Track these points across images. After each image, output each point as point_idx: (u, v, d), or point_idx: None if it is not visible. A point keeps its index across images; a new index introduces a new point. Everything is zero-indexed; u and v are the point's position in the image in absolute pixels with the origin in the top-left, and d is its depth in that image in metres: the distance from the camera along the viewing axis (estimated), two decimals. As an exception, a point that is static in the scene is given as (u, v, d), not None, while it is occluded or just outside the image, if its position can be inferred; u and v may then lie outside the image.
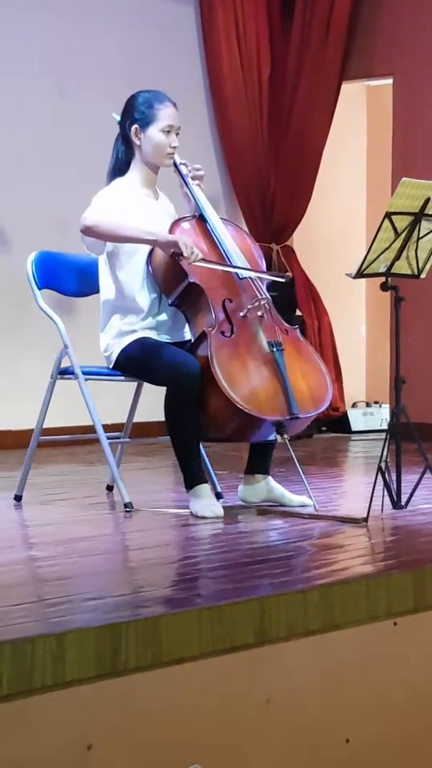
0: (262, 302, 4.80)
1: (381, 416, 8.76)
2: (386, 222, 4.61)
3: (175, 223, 4.84)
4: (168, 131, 4.84)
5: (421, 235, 4.70)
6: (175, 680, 2.94)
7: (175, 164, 4.90)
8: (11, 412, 7.15)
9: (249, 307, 4.76)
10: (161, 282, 4.79)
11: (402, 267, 4.75)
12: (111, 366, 4.90)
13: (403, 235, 4.65)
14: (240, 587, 3.38)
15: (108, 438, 4.98)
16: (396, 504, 4.71)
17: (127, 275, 4.83)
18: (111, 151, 4.95)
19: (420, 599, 3.53)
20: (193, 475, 4.70)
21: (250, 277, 4.86)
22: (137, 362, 4.79)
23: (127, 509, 4.81)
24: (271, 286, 4.98)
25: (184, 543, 4.32)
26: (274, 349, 4.70)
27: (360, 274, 4.73)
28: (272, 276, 5.14)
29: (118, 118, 4.94)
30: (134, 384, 5.28)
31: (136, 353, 4.78)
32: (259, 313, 4.78)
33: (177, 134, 4.87)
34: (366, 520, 4.41)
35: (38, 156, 7.46)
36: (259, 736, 3.11)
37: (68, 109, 7.60)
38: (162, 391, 4.70)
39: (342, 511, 4.87)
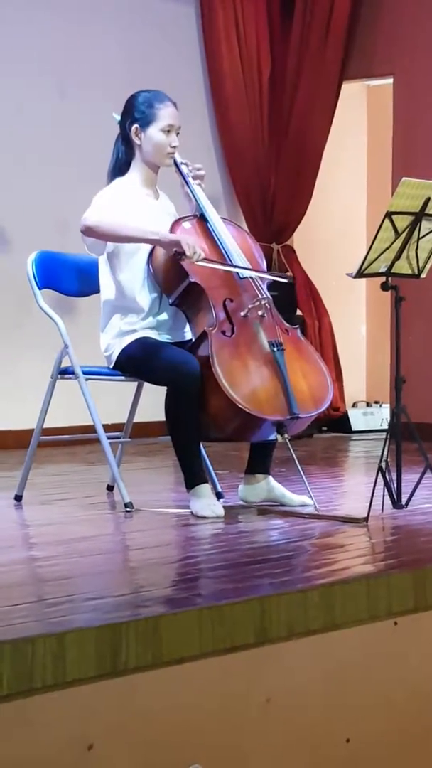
0: (263, 302, 4.80)
1: (381, 416, 8.76)
2: (387, 222, 4.61)
3: (176, 223, 4.84)
4: (168, 131, 4.84)
5: (421, 235, 4.69)
6: (176, 680, 2.94)
7: (175, 164, 4.90)
8: (12, 412, 7.15)
9: (250, 306, 4.76)
10: (162, 281, 4.79)
11: (402, 267, 4.75)
12: (111, 366, 4.90)
13: (404, 234, 4.65)
14: (240, 587, 3.38)
15: (108, 438, 4.98)
16: (396, 504, 4.71)
17: (128, 275, 4.82)
18: (111, 150, 4.95)
19: (420, 599, 3.53)
20: (193, 475, 4.70)
21: (251, 277, 4.86)
22: (138, 362, 4.79)
23: (128, 509, 4.81)
24: (272, 286, 4.97)
25: (185, 543, 4.32)
26: (275, 349, 4.70)
27: (360, 274, 4.73)
28: (275, 276, 5.14)
29: (119, 117, 4.94)
30: (134, 384, 5.28)
31: (137, 353, 4.78)
32: (260, 313, 4.78)
33: (177, 134, 4.87)
34: (366, 519, 4.41)
35: (38, 156, 7.47)
36: (259, 736, 3.11)
37: (68, 109, 7.60)
38: (162, 390, 4.70)
39: (342, 510, 4.87)
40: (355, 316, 9.45)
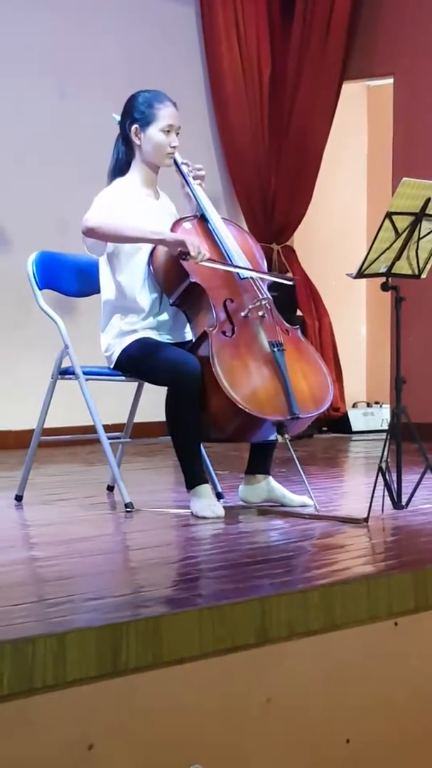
0: (263, 302, 4.80)
1: (381, 416, 8.77)
2: (387, 222, 4.61)
3: (177, 223, 4.84)
4: (168, 131, 4.84)
5: (421, 235, 4.69)
6: (176, 680, 2.94)
7: (176, 164, 4.90)
8: (12, 412, 7.15)
9: (250, 307, 4.76)
10: (162, 282, 4.79)
11: (402, 267, 4.75)
12: (112, 366, 4.90)
13: (404, 235, 4.65)
14: (241, 587, 3.38)
15: (109, 438, 4.98)
16: (396, 504, 4.71)
17: (128, 275, 4.83)
18: (111, 151, 4.95)
19: (420, 599, 3.53)
20: (193, 476, 4.70)
21: (251, 277, 4.86)
22: (138, 362, 4.79)
23: (128, 509, 4.81)
24: (272, 287, 4.98)
25: (185, 543, 4.32)
26: (275, 349, 4.70)
27: (360, 274, 4.73)
28: (278, 278, 5.14)
29: (118, 118, 4.94)
30: (135, 384, 5.28)
31: (137, 353, 4.78)
32: (260, 313, 4.78)
33: (177, 134, 4.87)
34: (366, 520, 4.41)
35: (38, 156, 7.47)
36: (259, 736, 3.11)
37: (68, 109, 7.61)
38: (162, 391, 4.70)
39: (342, 511, 4.88)
40: (355, 317, 9.46)
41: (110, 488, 5.40)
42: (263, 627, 3.13)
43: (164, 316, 4.86)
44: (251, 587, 3.40)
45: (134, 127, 4.85)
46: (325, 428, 8.74)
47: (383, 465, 4.54)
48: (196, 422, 4.64)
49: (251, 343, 4.73)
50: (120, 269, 4.84)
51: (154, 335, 4.82)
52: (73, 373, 5.00)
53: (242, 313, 4.74)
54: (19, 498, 5.14)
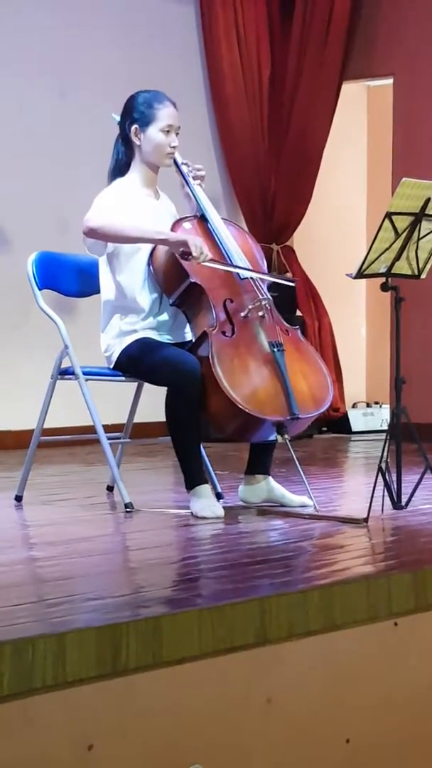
0: (263, 302, 4.80)
1: (381, 416, 8.77)
2: (386, 222, 4.60)
3: (177, 223, 4.84)
4: (168, 131, 4.84)
5: (421, 236, 4.69)
6: (176, 680, 2.94)
7: (176, 164, 4.90)
8: (12, 413, 7.15)
9: (250, 307, 4.76)
10: (162, 282, 4.79)
11: (402, 267, 4.75)
12: (112, 366, 4.90)
13: (404, 235, 4.65)
14: (240, 587, 3.38)
15: (108, 438, 4.98)
16: (396, 504, 4.71)
17: (128, 275, 4.83)
18: (111, 151, 4.95)
19: (420, 599, 3.53)
20: (193, 476, 4.70)
21: (251, 278, 4.86)
22: (138, 362, 4.79)
23: (128, 509, 4.81)
24: (272, 287, 4.98)
25: (185, 543, 4.32)
26: (275, 350, 4.70)
27: (360, 275, 4.73)
28: (280, 279, 5.14)
29: (118, 118, 4.94)
30: (134, 384, 5.27)
31: (137, 353, 4.78)
32: (260, 314, 4.78)
33: (177, 134, 4.87)
34: (366, 520, 4.41)
35: (38, 156, 7.47)
36: (259, 736, 3.11)
37: (68, 109, 7.61)
38: (162, 391, 4.70)
39: (342, 511, 4.88)
40: (355, 317, 9.45)
41: (110, 488, 5.40)
42: (263, 627, 3.13)
43: (164, 317, 4.86)
44: (251, 587, 3.40)
45: (134, 127, 4.85)
46: (324, 428, 8.74)
47: (383, 465, 4.54)
48: (196, 422, 4.64)
49: (251, 343, 4.73)
50: (120, 269, 4.84)
51: (154, 335, 4.82)
52: (72, 373, 5.00)
53: (242, 314, 4.74)
54: (18, 498, 5.14)
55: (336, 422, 8.74)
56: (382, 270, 4.72)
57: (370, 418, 8.88)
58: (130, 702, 2.84)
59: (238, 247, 4.91)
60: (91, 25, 7.72)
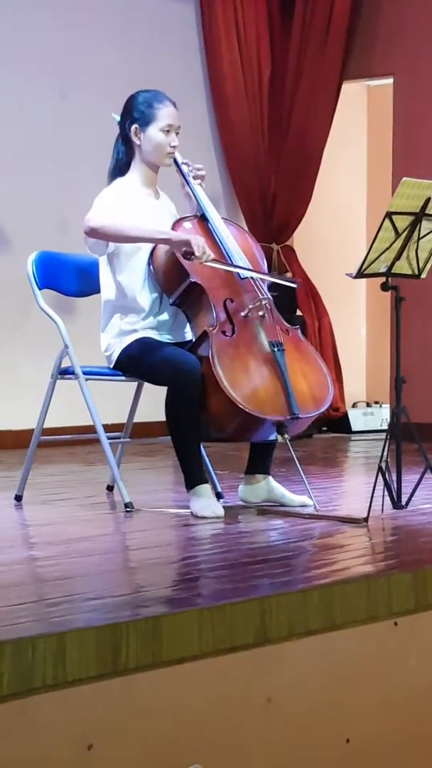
0: (264, 302, 4.80)
1: (381, 416, 8.77)
2: (387, 222, 4.60)
3: (177, 223, 4.84)
4: (168, 130, 4.84)
5: (421, 235, 4.69)
6: (176, 680, 2.94)
7: (176, 163, 4.90)
8: (11, 412, 7.15)
9: (250, 307, 4.76)
10: (162, 281, 4.79)
11: (402, 267, 4.75)
12: (112, 366, 4.90)
13: (404, 235, 4.65)
14: (240, 587, 3.38)
15: (108, 438, 4.98)
16: (396, 504, 4.71)
17: (128, 275, 4.83)
18: (111, 151, 4.95)
19: (420, 599, 3.53)
20: (193, 475, 4.70)
21: (252, 277, 4.85)
22: (138, 362, 4.79)
23: (128, 509, 4.81)
24: (272, 287, 4.98)
25: (185, 543, 4.32)
26: (275, 349, 4.70)
27: (360, 274, 4.73)
28: (282, 280, 5.14)
29: (118, 118, 4.94)
30: (135, 384, 5.27)
31: (137, 353, 4.78)
32: (260, 313, 4.78)
33: (177, 133, 4.87)
34: (366, 520, 4.41)
35: (39, 156, 7.47)
36: (259, 736, 3.11)
37: (68, 109, 7.61)
38: (162, 390, 4.70)
39: (342, 511, 4.88)
40: (355, 317, 9.45)
41: (110, 488, 5.40)
42: (263, 627, 3.13)
43: (164, 316, 4.86)
44: (251, 587, 3.40)
45: (134, 126, 4.85)
46: (324, 428, 8.74)
47: (383, 465, 4.54)
48: (196, 422, 4.64)
49: (251, 343, 4.73)
50: (120, 269, 4.84)
51: (154, 335, 4.82)
52: (72, 372, 5.00)
53: (242, 313, 4.74)
54: (18, 498, 5.14)
55: (336, 422, 8.74)
56: (383, 270, 4.72)
57: (370, 417, 8.88)
58: (130, 702, 2.84)
59: (239, 246, 4.91)
60: (91, 25, 7.72)
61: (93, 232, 4.70)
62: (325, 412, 5.20)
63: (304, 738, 3.21)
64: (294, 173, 8.46)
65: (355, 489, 5.81)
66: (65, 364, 5.05)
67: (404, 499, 4.72)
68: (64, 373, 5.05)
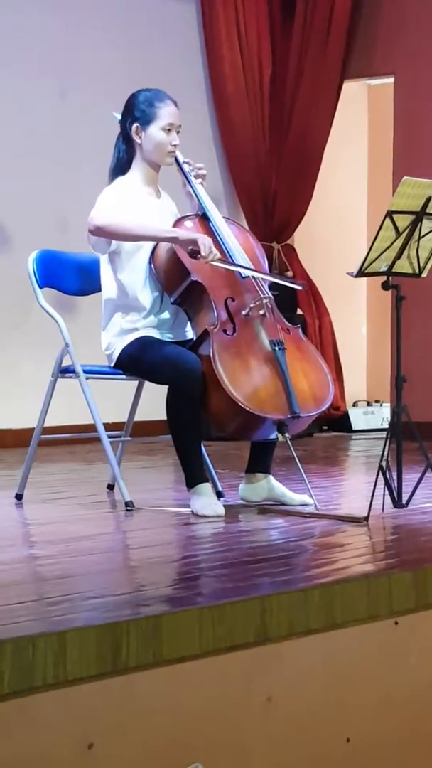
0: (264, 301, 4.80)
1: (382, 415, 8.77)
2: (387, 221, 4.60)
3: (179, 222, 4.84)
4: (169, 129, 4.84)
5: (422, 234, 4.69)
6: (176, 679, 2.94)
7: (177, 162, 4.90)
8: (12, 411, 7.15)
9: (251, 306, 4.76)
10: (163, 280, 4.79)
11: (403, 266, 4.74)
12: (112, 365, 4.90)
13: (405, 234, 4.65)
14: (241, 586, 3.38)
15: (109, 436, 4.98)
16: (397, 503, 4.71)
17: (129, 274, 4.82)
18: (112, 150, 4.95)
19: (421, 598, 3.53)
20: (194, 474, 4.70)
21: (253, 276, 4.85)
22: (139, 361, 4.79)
23: (128, 508, 4.81)
24: (273, 286, 4.98)
25: (185, 542, 4.32)
26: (276, 348, 4.71)
27: (361, 273, 4.73)
28: (287, 282, 5.14)
29: (119, 117, 4.94)
30: (135, 382, 5.27)
31: (138, 352, 4.78)
32: (261, 312, 4.78)
33: (178, 132, 4.87)
34: (367, 519, 4.41)
35: (39, 155, 7.47)
36: (260, 735, 3.11)
37: (69, 108, 7.61)
38: (163, 389, 4.70)
39: (343, 510, 4.88)
40: (355, 316, 9.45)
41: (110, 487, 5.40)
42: (263, 626, 3.13)
43: (165, 315, 4.86)
44: (251, 586, 3.40)
45: (135, 125, 4.84)
46: (325, 427, 8.74)
47: (383, 464, 4.54)
48: (197, 421, 4.64)
49: (252, 342, 4.73)
50: (121, 268, 4.84)
51: (155, 334, 4.82)
52: (73, 371, 5.00)
53: (243, 312, 4.74)
54: (19, 496, 5.14)
55: (336, 421, 8.74)
56: (383, 269, 4.72)
57: (371, 416, 8.88)
58: (130, 701, 2.84)
59: (240, 245, 4.91)
60: (91, 25, 7.72)
61: (98, 231, 4.69)
62: (326, 411, 5.21)
63: (305, 737, 3.21)
64: (295, 172, 8.46)
65: (355, 488, 5.81)
66: (66, 362, 5.05)
67: (405, 498, 4.72)
68: (65, 371, 5.05)
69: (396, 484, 4.72)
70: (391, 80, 8.28)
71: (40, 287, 5.13)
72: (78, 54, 7.67)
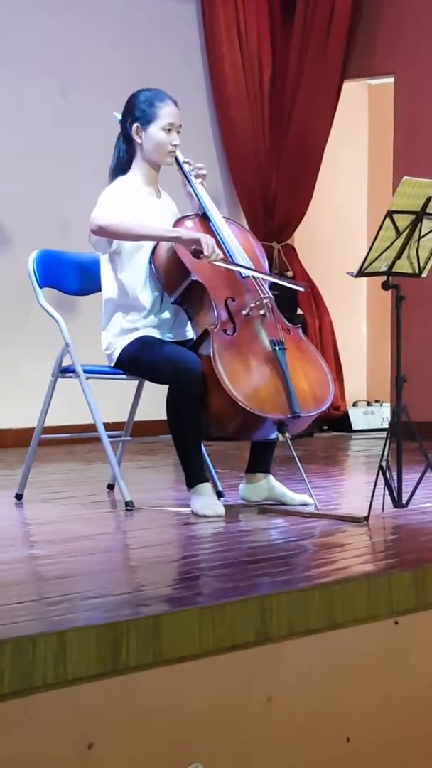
0: (265, 301, 4.80)
1: (382, 415, 8.77)
2: (387, 221, 4.60)
3: (179, 221, 4.84)
4: (169, 129, 4.84)
5: (422, 234, 4.69)
6: (176, 679, 2.94)
7: (178, 162, 4.90)
8: (12, 411, 7.15)
9: (252, 306, 4.76)
10: (164, 280, 4.79)
11: (403, 266, 4.74)
12: (112, 364, 4.90)
13: (405, 234, 4.65)
14: (241, 586, 3.38)
15: (109, 436, 4.98)
16: (397, 503, 4.70)
17: (130, 273, 4.82)
18: (112, 150, 4.95)
19: (421, 598, 3.53)
20: (194, 474, 4.70)
21: (254, 276, 4.85)
22: (139, 361, 4.79)
23: (128, 508, 4.81)
24: (273, 286, 4.98)
25: (185, 541, 4.32)
26: (276, 348, 4.71)
27: (361, 273, 4.73)
28: (289, 283, 5.14)
29: (119, 116, 4.94)
30: (135, 382, 5.27)
31: (138, 352, 4.78)
32: (262, 312, 4.78)
33: (178, 132, 4.87)
34: (367, 518, 4.41)
35: (39, 155, 7.47)
36: (260, 735, 3.11)
37: (69, 108, 7.61)
38: (163, 389, 4.70)
39: (343, 509, 4.88)
40: (355, 315, 9.45)
41: (110, 486, 5.40)
42: (263, 626, 3.13)
43: (166, 315, 4.85)
44: (251, 586, 3.40)
45: (135, 125, 4.84)
46: (325, 427, 8.74)
47: (383, 464, 4.54)
48: (197, 421, 4.64)
49: (252, 341, 4.73)
50: (121, 267, 4.84)
51: (155, 333, 4.82)
52: (73, 371, 5.00)
53: (244, 312, 4.74)
54: (19, 496, 5.14)
55: (337, 421, 8.74)
56: (383, 268, 4.72)
57: (371, 416, 8.88)
58: (130, 700, 2.84)
59: (240, 245, 4.91)
60: (91, 25, 7.72)
61: (101, 230, 4.69)
62: (326, 410, 5.21)
63: (305, 737, 3.21)
64: (295, 172, 8.46)
65: (355, 488, 5.81)
66: (66, 362, 5.05)
67: (405, 498, 4.72)
68: (65, 371, 5.05)
69: (396, 484, 4.72)
70: (391, 80, 8.28)
71: (41, 287, 5.13)
72: (78, 54, 7.67)
